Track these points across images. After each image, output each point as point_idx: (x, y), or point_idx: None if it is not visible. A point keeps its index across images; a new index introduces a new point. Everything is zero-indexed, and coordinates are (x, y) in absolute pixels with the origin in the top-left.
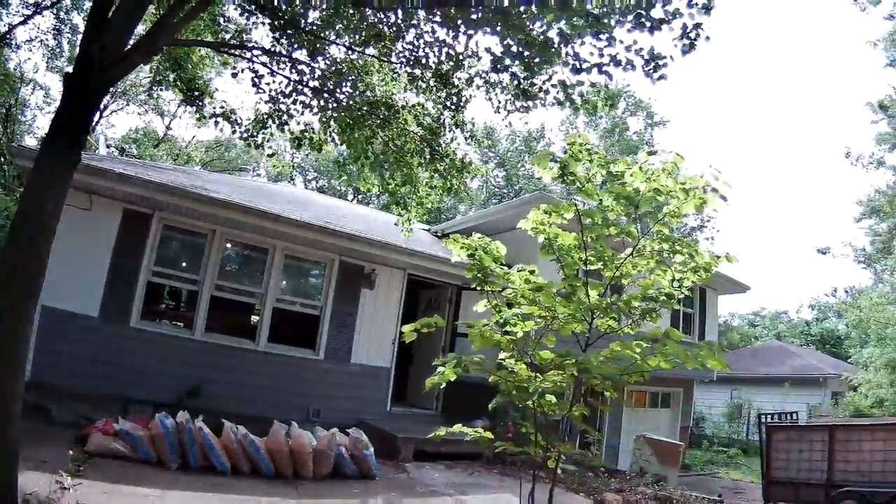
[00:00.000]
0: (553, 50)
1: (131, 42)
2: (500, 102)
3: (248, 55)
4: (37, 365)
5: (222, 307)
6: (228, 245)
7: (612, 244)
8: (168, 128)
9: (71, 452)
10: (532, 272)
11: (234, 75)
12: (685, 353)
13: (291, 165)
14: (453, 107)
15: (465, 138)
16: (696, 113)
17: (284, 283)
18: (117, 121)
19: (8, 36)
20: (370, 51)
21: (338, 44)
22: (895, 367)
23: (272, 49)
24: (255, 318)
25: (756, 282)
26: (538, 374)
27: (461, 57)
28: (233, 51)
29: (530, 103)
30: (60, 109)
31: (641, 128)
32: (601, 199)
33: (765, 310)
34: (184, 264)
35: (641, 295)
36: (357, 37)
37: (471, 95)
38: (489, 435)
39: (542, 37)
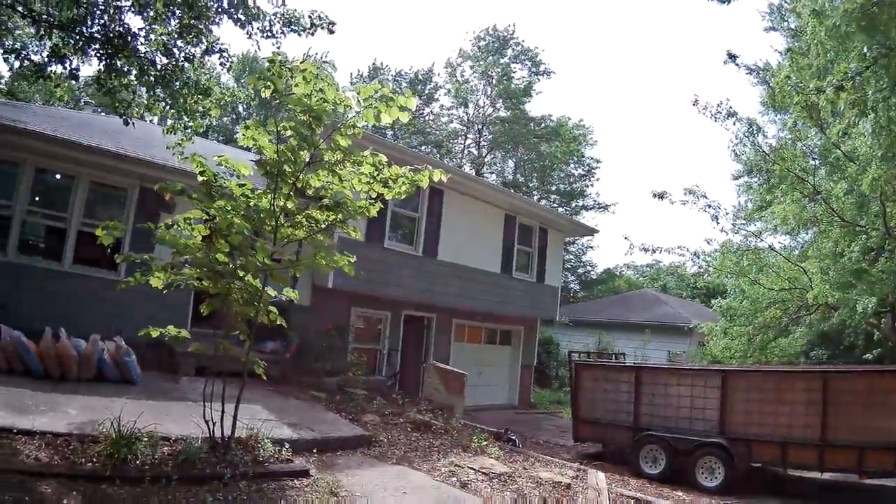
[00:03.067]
0: None
1: None
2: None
3: None
4: None
5: (33, 231)
6: (40, 173)
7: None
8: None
9: None
10: (242, 185)
11: None
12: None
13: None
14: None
15: (221, 64)
16: (585, 63)
17: (89, 208)
18: None
19: None
20: None
21: None
22: (731, 317)
23: None
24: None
25: (645, 229)
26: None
27: None
28: None
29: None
30: None
31: (526, 75)
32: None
33: (660, 263)
34: None
35: (320, 205)
36: None
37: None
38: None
39: None
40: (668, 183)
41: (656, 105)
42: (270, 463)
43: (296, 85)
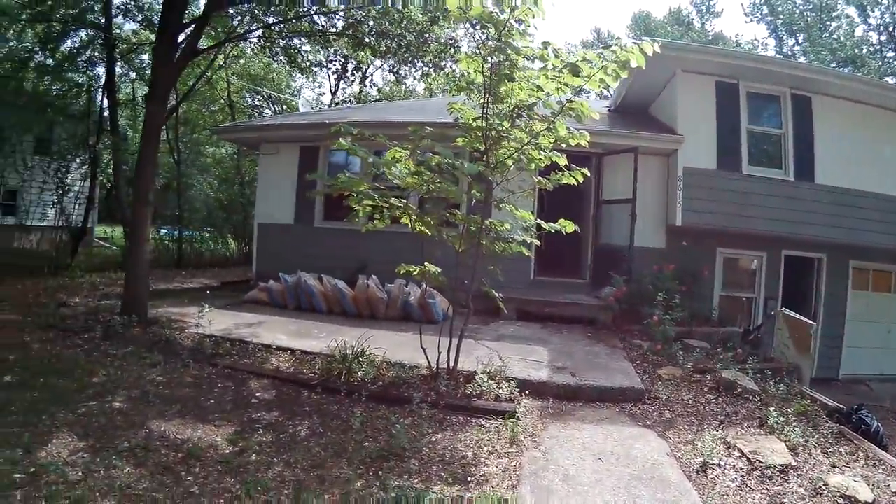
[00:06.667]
0: None
1: None
2: None
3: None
4: (259, 262)
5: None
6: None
7: None
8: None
9: (232, 302)
10: (477, 118)
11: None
12: None
13: None
14: None
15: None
16: None
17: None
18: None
19: None
20: None
21: None
22: None
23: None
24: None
25: None
26: None
27: None
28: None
29: None
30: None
31: None
32: None
33: None
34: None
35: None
36: None
37: None
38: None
39: None
40: None
41: None
42: (478, 398)
43: None
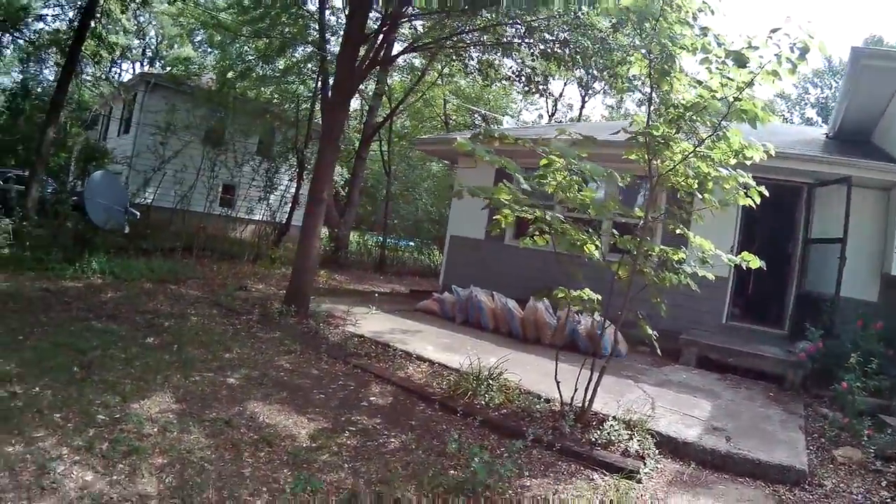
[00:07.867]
0: None
1: None
2: None
3: None
4: (447, 273)
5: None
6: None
7: None
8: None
9: (403, 308)
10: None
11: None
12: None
13: None
14: None
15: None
16: None
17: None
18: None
19: None
20: None
21: None
22: None
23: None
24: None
25: None
26: None
27: None
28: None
29: None
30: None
31: None
32: None
33: None
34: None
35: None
36: None
37: None
38: None
39: None
40: None
41: None
42: (603, 448)
43: None
